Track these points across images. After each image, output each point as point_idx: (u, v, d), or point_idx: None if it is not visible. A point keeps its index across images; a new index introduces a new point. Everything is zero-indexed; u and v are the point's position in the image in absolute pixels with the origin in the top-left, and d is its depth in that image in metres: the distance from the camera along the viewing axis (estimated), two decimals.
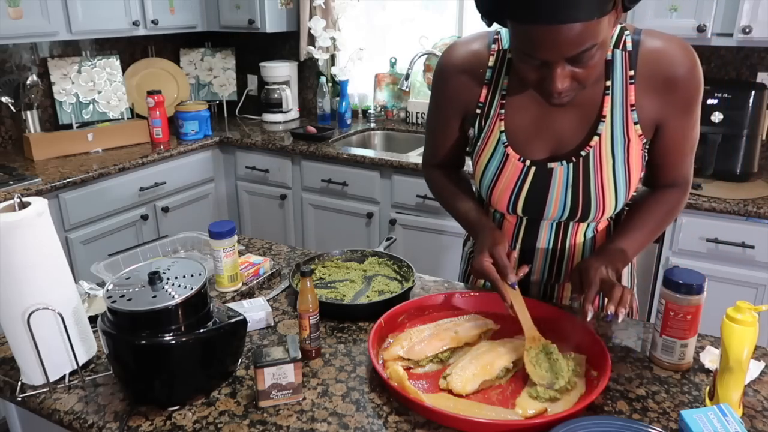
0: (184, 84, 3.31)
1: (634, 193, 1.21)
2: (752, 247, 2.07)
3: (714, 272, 2.10)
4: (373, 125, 3.20)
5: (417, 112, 3.17)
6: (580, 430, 0.86)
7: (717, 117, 2.21)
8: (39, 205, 0.97)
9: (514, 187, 1.16)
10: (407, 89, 2.98)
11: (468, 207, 1.26)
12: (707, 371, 1.06)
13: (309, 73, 3.41)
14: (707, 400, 0.96)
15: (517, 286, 1.09)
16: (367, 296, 1.31)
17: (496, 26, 1.13)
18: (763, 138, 2.32)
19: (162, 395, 0.97)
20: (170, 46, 3.37)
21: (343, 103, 3.14)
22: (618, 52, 1.07)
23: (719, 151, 2.22)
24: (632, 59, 1.06)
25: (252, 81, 3.53)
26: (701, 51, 2.17)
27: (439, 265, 2.59)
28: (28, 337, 0.97)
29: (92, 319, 1.11)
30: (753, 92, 2.20)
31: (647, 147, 1.14)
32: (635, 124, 1.09)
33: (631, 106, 1.08)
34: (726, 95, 2.21)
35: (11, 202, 0.97)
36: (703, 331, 1.12)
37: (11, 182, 2.24)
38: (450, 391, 0.99)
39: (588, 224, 1.21)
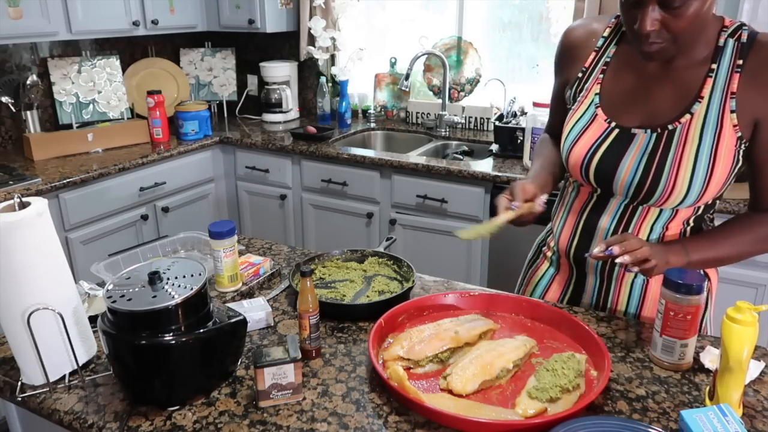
0: (184, 84, 3.31)
1: (717, 201, 1.16)
2: None
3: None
4: (373, 125, 3.20)
5: (417, 112, 3.17)
6: (580, 430, 0.86)
7: None
8: (39, 205, 0.97)
9: (591, 146, 1.16)
10: (407, 89, 2.98)
11: (536, 166, 1.33)
12: (707, 371, 1.06)
13: (309, 73, 3.41)
14: (707, 400, 0.96)
15: (516, 206, 1.14)
16: (367, 296, 1.31)
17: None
18: None
19: (162, 395, 0.97)
20: (170, 46, 3.37)
21: (343, 103, 3.14)
22: (731, 41, 1.07)
23: None
24: (744, 50, 1.06)
25: (252, 81, 3.53)
26: None
27: (439, 265, 2.59)
28: (28, 337, 0.97)
29: (92, 319, 1.11)
30: None
31: (742, 148, 1.09)
32: (732, 112, 1.06)
33: (732, 93, 1.06)
34: None
35: (11, 202, 0.97)
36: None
37: (11, 182, 2.24)
38: (450, 391, 0.99)
39: (656, 220, 1.16)
